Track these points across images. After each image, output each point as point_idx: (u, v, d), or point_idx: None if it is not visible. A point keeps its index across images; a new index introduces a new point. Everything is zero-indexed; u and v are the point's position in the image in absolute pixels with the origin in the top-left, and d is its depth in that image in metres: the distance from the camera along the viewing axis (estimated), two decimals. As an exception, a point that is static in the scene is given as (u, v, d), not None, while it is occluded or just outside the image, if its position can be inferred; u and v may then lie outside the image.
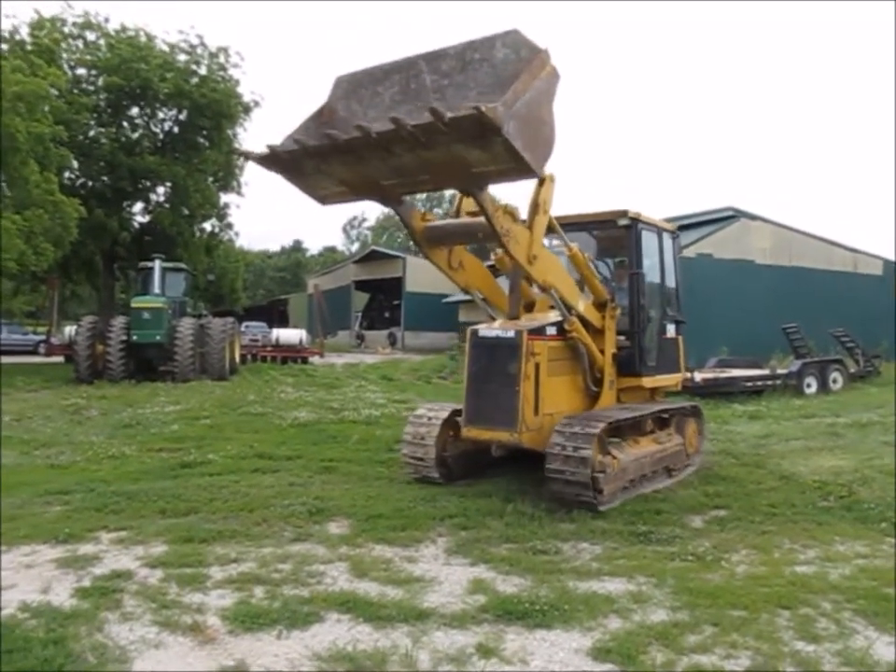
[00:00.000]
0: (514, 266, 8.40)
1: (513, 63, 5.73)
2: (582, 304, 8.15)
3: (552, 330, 7.95)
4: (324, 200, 6.67)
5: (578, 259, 8.16)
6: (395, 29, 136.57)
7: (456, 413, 8.34)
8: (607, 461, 7.36)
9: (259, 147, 6.11)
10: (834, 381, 19.65)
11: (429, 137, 5.25)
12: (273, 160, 6.09)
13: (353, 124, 5.93)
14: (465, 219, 7.65)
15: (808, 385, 18.92)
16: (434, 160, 5.55)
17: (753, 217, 27.64)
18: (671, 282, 9.87)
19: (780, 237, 27.85)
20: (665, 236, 9.66)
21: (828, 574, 5.60)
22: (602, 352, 8.50)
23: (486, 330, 7.82)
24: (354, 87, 6.51)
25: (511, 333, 7.58)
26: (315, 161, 6.00)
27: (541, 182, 7.07)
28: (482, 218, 6.74)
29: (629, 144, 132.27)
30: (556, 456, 7.14)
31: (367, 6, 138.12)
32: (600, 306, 8.58)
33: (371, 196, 6.73)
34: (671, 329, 9.77)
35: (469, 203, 7.66)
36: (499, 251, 8.57)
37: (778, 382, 18.62)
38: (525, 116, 5.25)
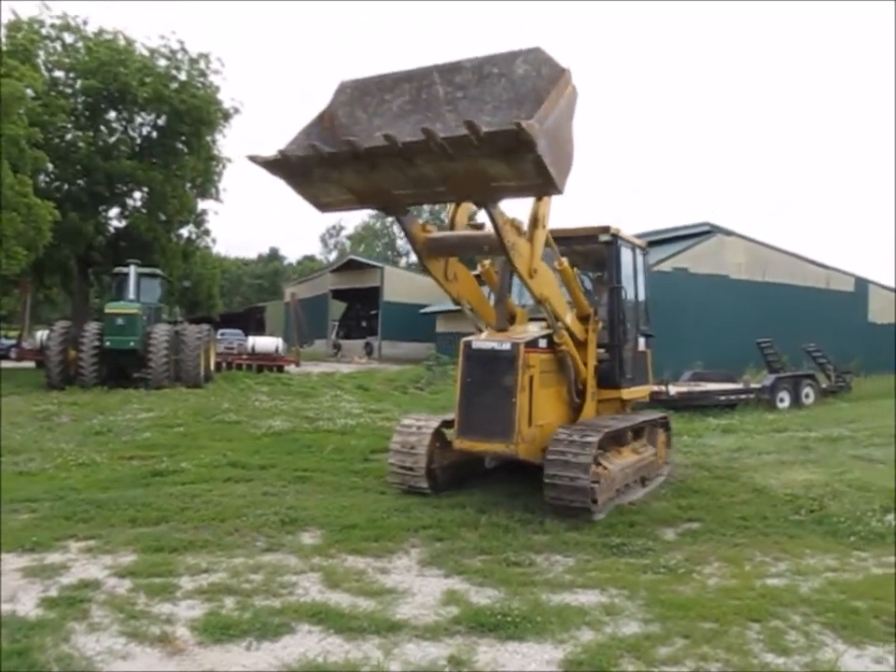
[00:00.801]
0: (502, 279, 8.50)
1: (533, 79, 5.74)
2: (570, 318, 8.26)
3: (543, 343, 8.03)
4: (325, 207, 6.55)
5: (567, 274, 8.27)
6: (377, 35, 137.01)
7: (445, 423, 8.36)
8: (600, 471, 7.45)
9: (251, 152, 5.88)
10: (807, 396, 19.91)
11: (458, 150, 5.19)
12: (282, 165, 5.94)
13: (354, 131, 5.93)
14: (469, 232, 7.69)
15: (781, 400, 19.14)
16: (455, 172, 5.50)
17: (729, 233, 28.01)
18: (642, 296, 10.11)
19: (755, 253, 28.23)
20: (638, 252, 9.90)
21: (798, 587, 5.66)
22: (585, 364, 8.63)
23: (480, 342, 7.83)
24: (359, 93, 6.39)
25: (507, 346, 7.62)
26: (326, 168, 5.87)
27: (540, 197, 7.08)
28: (487, 231, 6.79)
29: (606, 159, 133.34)
30: (555, 463, 7.19)
31: (348, 11, 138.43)
32: (583, 319, 8.71)
33: (378, 205, 6.67)
34: (642, 343, 9.98)
35: (462, 216, 7.71)
36: (486, 263, 8.62)
37: (752, 396, 18.83)
38: (553, 133, 5.29)
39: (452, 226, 7.84)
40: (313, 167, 5.91)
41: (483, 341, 7.85)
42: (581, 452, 7.19)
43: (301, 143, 6.07)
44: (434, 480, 8.26)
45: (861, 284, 31.11)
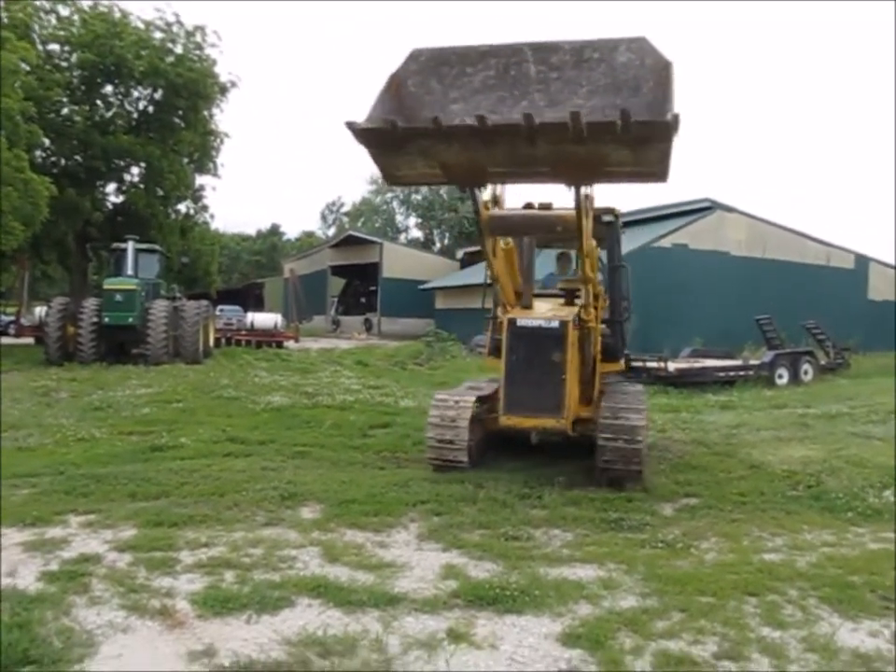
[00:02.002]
0: (529, 258, 8.74)
1: (635, 68, 5.66)
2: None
3: (576, 321, 8.15)
4: (399, 179, 6.32)
5: (595, 254, 8.28)
6: (374, 11, 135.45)
7: (479, 399, 8.46)
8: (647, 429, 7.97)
9: (349, 119, 5.56)
10: (806, 372, 19.92)
11: (595, 135, 5.10)
12: (385, 134, 5.57)
13: (425, 101, 5.79)
14: (541, 212, 7.63)
15: (780, 377, 19.16)
16: (574, 154, 5.36)
17: (729, 210, 27.91)
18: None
19: (755, 229, 28.15)
20: (619, 229, 9.96)
21: (795, 562, 5.68)
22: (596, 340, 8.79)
23: (527, 320, 7.95)
24: (435, 63, 6.09)
25: (555, 324, 7.80)
26: (433, 142, 5.56)
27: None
28: (559, 212, 6.93)
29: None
30: (610, 427, 7.56)
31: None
32: (594, 297, 8.78)
33: (463, 181, 6.45)
34: None
35: (503, 196, 7.63)
36: (509, 242, 8.57)
37: (751, 373, 18.85)
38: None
39: (497, 204, 7.69)
40: (418, 139, 5.59)
41: (529, 319, 7.97)
42: (634, 416, 7.64)
43: (381, 113, 5.74)
44: (470, 455, 8.25)
45: (862, 261, 31.04)
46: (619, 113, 4.93)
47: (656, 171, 5.43)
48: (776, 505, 7.28)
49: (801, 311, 23.26)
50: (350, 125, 5.51)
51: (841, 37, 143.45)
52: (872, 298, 30.78)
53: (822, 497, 7.50)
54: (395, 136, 5.55)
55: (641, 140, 5.09)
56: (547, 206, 7.73)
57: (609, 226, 9.17)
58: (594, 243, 7.80)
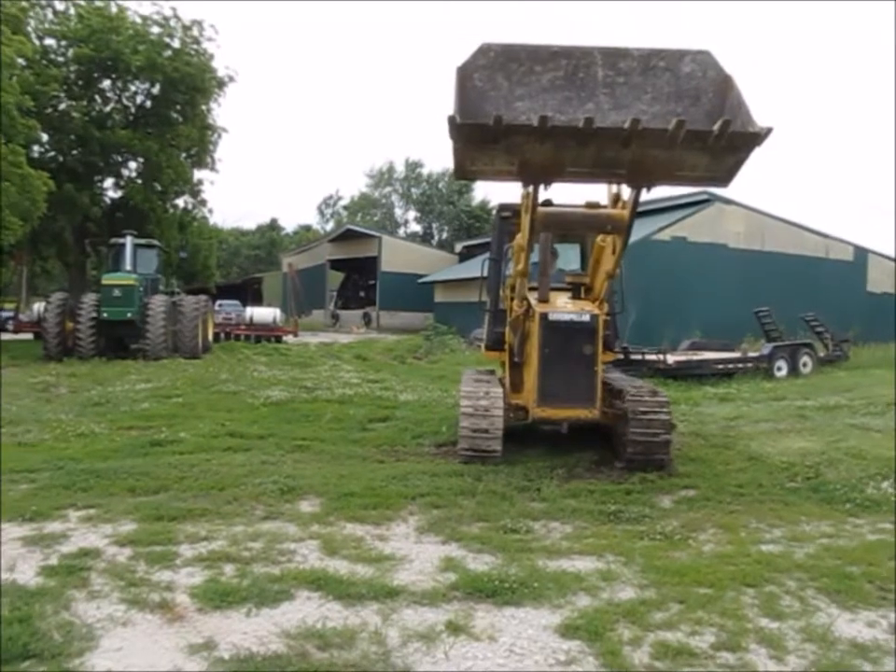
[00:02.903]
0: (545, 253, 8.71)
1: (698, 79, 5.92)
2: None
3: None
4: (470, 174, 6.25)
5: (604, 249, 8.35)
6: (369, 4, 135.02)
7: None
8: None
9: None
10: (804, 364, 19.91)
11: (689, 142, 5.36)
12: (481, 130, 5.54)
13: (490, 97, 5.93)
14: (591, 210, 7.76)
15: (779, 369, 19.15)
16: (658, 158, 5.58)
17: (728, 202, 27.83)
18: None
19: (754, 222, 28.11)
20: None
21: (793, 553, 5.69)
22: None
23: (557, 313, 8.10)
24: (504, 59, 6.15)
25: (586, 317, 8.02)
26: (529, 139, 5.52)
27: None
28: (608, 210, 7.21)
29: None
30: (640, 421, 7.84)
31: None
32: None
33: (538, 179, 6.31)
34: None
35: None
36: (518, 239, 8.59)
37: (749, 365, 18.84)
38: None
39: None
40: (516, 135, 5.55)
41: (560, 312, 8.14)
42: (661, 409, 8.03)
43: (467, 108, 5.78)
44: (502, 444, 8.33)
45: (861, 253, 30.99)
46: (720, 123, 5.19)
47: (724, 176, 5.73)
48: (774, 496, 7.29)
49: (799, 303, 23.22)
50: (451, 120, 5.52)
51: (841, 29, 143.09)
52: (871, 290, 30.72)
53: (821, 489, 7.51)
54: (492, 131, 5.54)
55: (727, 149, 5.37)
56: (595, 205, 7.90)
57: None
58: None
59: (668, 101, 5.93)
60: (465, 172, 6.16)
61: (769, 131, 5.26)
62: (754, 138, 5.32)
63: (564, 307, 8.31)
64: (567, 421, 8.26)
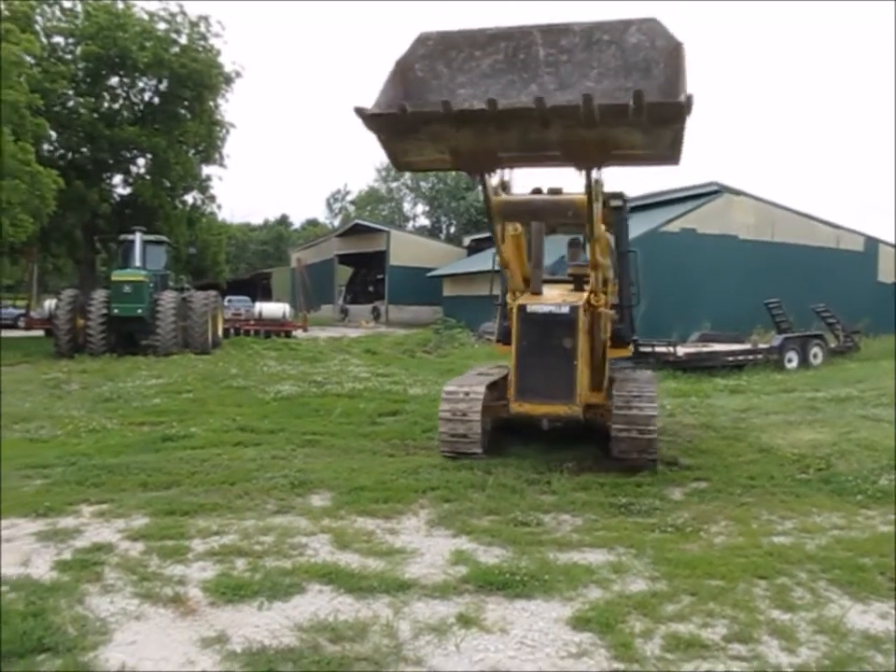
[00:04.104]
0: (538, 244, 8.59)
1: (646, 50, 5.60)
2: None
3: (585, 306, 8.15)
4: (407, 166, 6.26)
5: (604, 243, 8.21)
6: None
7: (490, 386, 8.48)
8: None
9: (358, 105, 5.51)
10: (815, 356, 19.81)
11: (607, 118, 5.07)
12: (394, 120, 5.52)
13: (432, 86, 5.76)
14: (553, 197, 7.61)
15: (789, 360, 19.07)
16: (586, 138, 5.32)
17: (737, 193, 27.71)
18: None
19: (763, 213, 27.95)
20: (627, 214, 10.00)
21: (805, 545, 5.68)
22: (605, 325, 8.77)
23: (536, 306, 7.93)
24: (443, 47, 6.02)
25: (566, 309, 7.78)
26: (444, 126, 5.48)
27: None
28: (570, 196, 6.86)
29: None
30: (624, 417, 7.56)
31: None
32: (603, 283, 8.72)
33: (472, 167, 6.43)
34: None
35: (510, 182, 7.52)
36: (518, 228, 8.49)
37: (760, 356, 18.76)
38: None
39: (504, 189, 7.54)
40: (429, 124, 5.52)
41: (539, 304, 7.94)
42: (647, 405, 7.63)
43: (387, 100, 5.69)
44: (483, 445, 8.26)
45: (871, 243, 30.78)
46: (632, 95, 4.88)
47: (668, 153, 5.38)
48: (785, 488, 7.27)
49: (810, 294, 23.10)
50: (359, 111, 5.46)
51: (851, 22, 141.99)
52: (882, 280, 30.52)
53: (832, 480, 7.49)
54: (405, 121, 5.49)
55: (654, 122, 5.04)
56: (557, 191, 7.67)
57: (618, 211, 9.16)
58: (603, 228, 7.81)
59: (617, 76, 5.59)
60: (400, 164, 6.17)
61: (689, 99, 4.86)
62: (677, 108, 4.91)
63: (543, 299, 8.09)
64: (546, 417, 8.09)
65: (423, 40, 6.08)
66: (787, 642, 4.07)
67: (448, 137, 5.62)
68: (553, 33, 5.83)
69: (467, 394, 8.27)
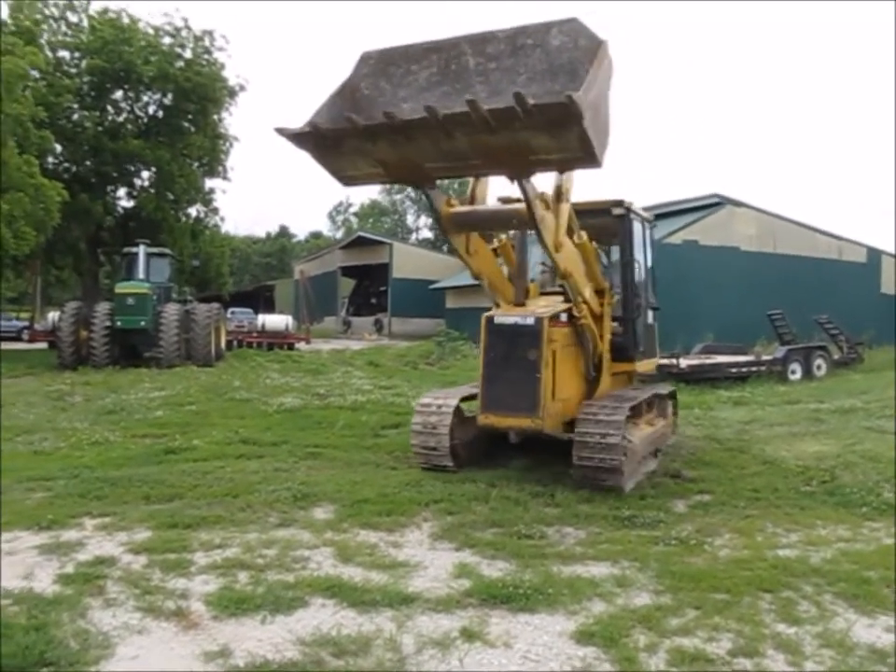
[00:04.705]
0: (520, 253, 8.48)
1: (570, 51, 5.60)
2: (588, 291, 8.21)
3: (563, 317, 8.03)
4: (350, 180, 6.40)
5: (587, 248, 8.17)
6: (383, 14, 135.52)
7: (464, 398, 8.42)
8: (625, 444, 7.48)
9: (279, 125, 5.73)
10: (818, 367, 19.79)
11: (502, 122, 5.06)
12: (313, 137, 5.76)
13: (378, 103, 5.81)
14: (498, 206, 7.60)
15: (793, 372, 19.04)
16: (494, 145, 5.35)
17: (739, 204, 27.74)
18: (649, 269, 10.13)
19: (765, 224, 27.97)
20: (646, 225, 9.89)
21: (810, 558, 5.65)
22: (601, 338, 8.61)
23: (503, 317, 7.85)
24: (383, 64, 6.21)
25: (530, 320, 7.64)
26: (360, 141, 5.68)
27: (563, 171, 6.95)
28: (516, 206, 6.71)
29: (616, 129, 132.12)
30: (585, 445, 7.27)
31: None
32: (598, 293, 8.64)
33: (407, 179, 6.56)
34: (650, 315, 9.97)
35: (483, 190, 7.52)
36: (503, 238, 8.49)
37: (763, 368, 18.74)
38: (595, 106, 5.21)
39: (472, 200, 7.57)
40: (345, 139, 5.71)
41: (506, 315, 7.86)
42: (611, 432, 7.24)
43: (326, 115, 5.89)
44: (457, 456, 8.25)
45: (874, 254, 30.79)
46: (515, 97, 4.87)
47: (582, 155, 5.30)
48: (789, 501, 7.25)
49: (813, 305, 23.09)
50: (279, 130, 5.68)
51: (853, 32, 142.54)
52: (884, 291, 30.50)
53: (837, 493, 7.46)
54: (323, 138, 5.71)
55: (551, 124, 5.00)
56: (507, 200, 7.65)
57: (621, 219, 9.03)
58: (585, 235, 7.70)
59: (544, 79, 5.58)
60: (343, 179, 6.30)
61: (570, 97, 4.76)
62: (561, 108, 4.84)
63: (511, 311, 8.00)
64: (512, 430, 7.96)
65: (366, 59, 6.28)
66: (792, 656, 4.05)
67: (369, 151, 5.80)
68: (479, 42, 5.93)
69: (439, 407, 8.31)
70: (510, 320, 7.76)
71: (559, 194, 7.03)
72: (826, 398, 15.13)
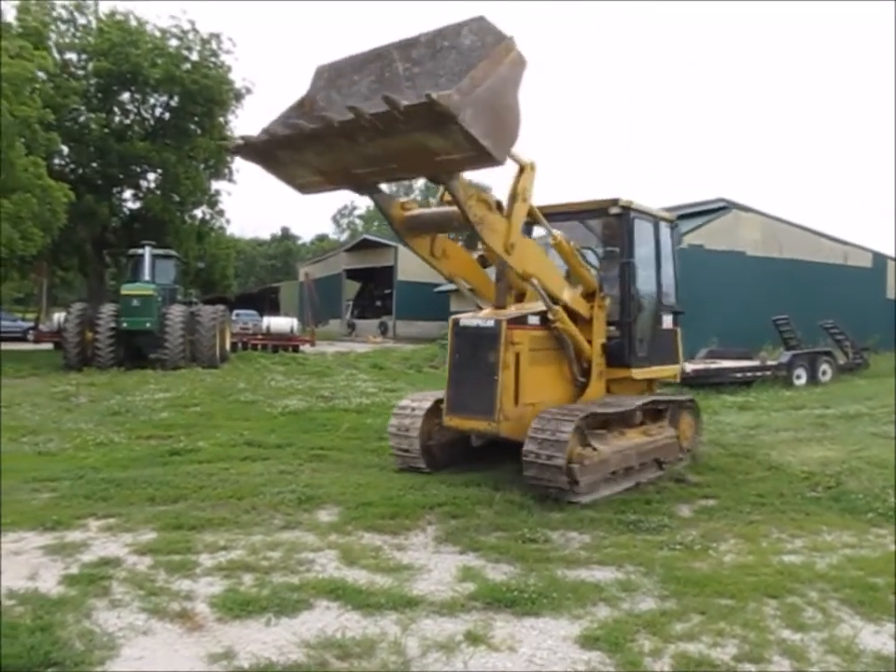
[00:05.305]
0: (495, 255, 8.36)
1: (479, 49, 5.69)
2: (568, 294, 8.05)
3: (534, 320, 7.89)
4: (303, 189, 6.65)
5: (562, 249, 8.06)
6: (391, 13, 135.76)
7: (440, 401, 8.32)
8: (586, 452, 7.29)
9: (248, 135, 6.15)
10: (824, 372, 19.75)
11: (388, 126, 5.24)
12: (249, 150, 6.11)
13: (332, 114, 5.97)
14: (442, 208, 7.54)
15: (798, 377, 19.00)
16: (397, 148, 5.54)
17: (745, 209, 27.68)
18: (668, 271, 9.76)
19: (771, 229, 27.91)
20: (662, 225, 9.53)
21: (815, 563, 5.64)
22: (590, 342, 8.38)
23: (468, 320, 7.83)
24: (334, 76, 6.44)
25: (490, 323, 7.58)
26: (289, 151, 6.01)
27: (521, 170, 6.99)
28: (453, 208, 6.69)
29: (623, 135, 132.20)
30: (534, 440, 7.11)
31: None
32: (589, 296, 8.47)
33: (347, 185, 6.67)
34: (667, 320, 9.63)
35: (456, 192, 7.54)
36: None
37: (768, 373, 18.70)
38: (485, 102, 5.24)
39: (441, 202, 7.66)
40: (276, 151, 6.03)
41: (470, 318, 7.84)
42: (560, 429, 7.06)
43: (271, 130, 6.18)
44: (432, 457, 8.30)
45: (880, 259, 30.68)
46: (386, 101, 5.06)
47: (477, 154, 5.39)
48: (795, 506, 7.23)
49: (818, 310, 23.02)
50: (223, 147, 6.13)
51: (858, 38, 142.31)
52: (890, 297, 30.41)
53: (842, 498, 7.44)
54: (256, 150, 6.09)
55: (435, 124, 5.14)
56: (452, 202, 7.67)
57: (619, 218, 8.77)
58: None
59: (461, 79, 5.60)
60: (298, 187, 6.62)
61: (429, 97, 4.87)
62: (425, 108, 4.95)
63: (478, 314, 7.96)
64: (473, 433, 7.96)
65: (320, 73, 6.52)
66: (798, 663, 4.04)
67: (302, 161, 6.11)
68: (405, 47, 6.10)
69: (413, 410, 8.38)
70: (473, 323, 7.75)
71: (514, 194, 7.01)
72: (831, 403, 15.10)
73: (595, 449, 7.45)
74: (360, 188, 6.79)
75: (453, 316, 7.99)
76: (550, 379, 8.14)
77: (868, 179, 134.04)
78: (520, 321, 7.74)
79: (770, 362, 19.41)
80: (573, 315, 8.16)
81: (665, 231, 9.61)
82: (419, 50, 6.01)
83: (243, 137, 6.11)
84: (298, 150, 5.98)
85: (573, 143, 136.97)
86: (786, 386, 18.17)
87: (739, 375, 18.35)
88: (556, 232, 7.98)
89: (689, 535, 6.23)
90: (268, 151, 6.08)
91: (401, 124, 5.17)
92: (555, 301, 7.82)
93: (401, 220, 7.20)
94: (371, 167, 6.02)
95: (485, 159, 5.49)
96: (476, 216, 6.50)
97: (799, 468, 8.77)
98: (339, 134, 5.51)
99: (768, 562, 5.62)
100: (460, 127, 5.04)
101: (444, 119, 5.01)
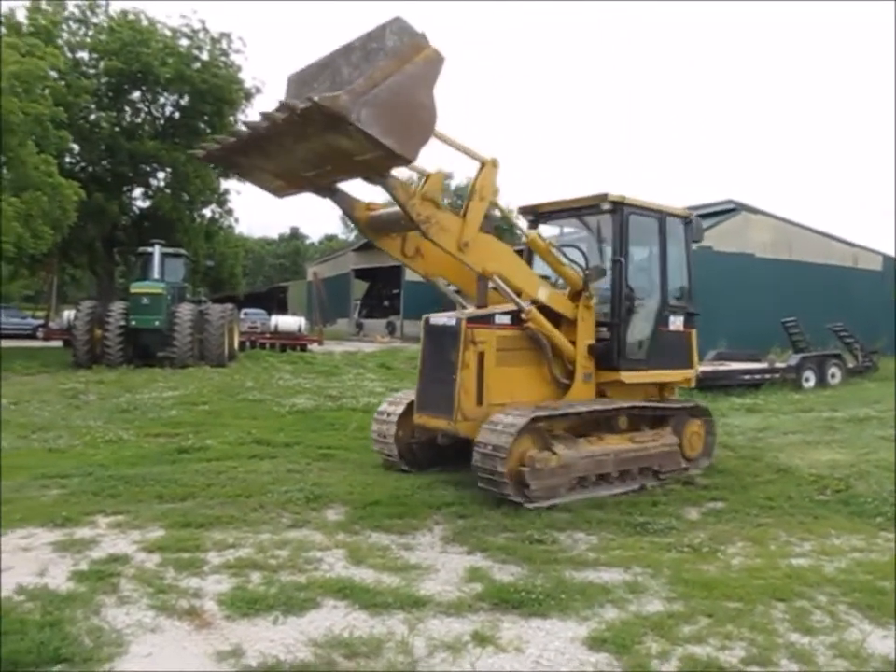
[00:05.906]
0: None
1: (400, 49, 5.77)
2: (545, 293, 7.84)
3: (503, 319, 7.69)
4: (274, 192, 6.82)
5: (537, 246, 7.96)
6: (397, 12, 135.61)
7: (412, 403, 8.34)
8: (541, 455, 7.05)
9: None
10: (833, 375, 19.67)
11: (297, 129, 5.42)
12: (213, 159, 6.39)
13: None
14: (393, 209, 7.38)
15: (807, 380, 18.92)
16: (320, 150, 5.65)
17: (754, 211, 27.61)
18: (677, 270, 9.28)
19: (781, 231, 27.83)
20: (671, 222, 8.98)
21: (823, 567, 5.62)
22: (574, 343, 8.10)
23: (435, 318, 7.88)
24: (300, 84, 6.54)
25: (452, 322, 7.57)
26: (244, 158, 6.18)
27: (481, 167, 7.01)
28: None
29: (633, 136, 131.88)
30: (480, 444, 6.98)
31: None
32: (577, 295, 8.18)
33: (304, 187, 6.75)
34: (677, 321, 9.16)
35: (431, 191, 7.32)
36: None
37: (777, 375, 18.63)
38: (387, 101, 5.33)
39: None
40: (233, 158, 6.24)
41: (438, 317, 7.87)
42: (503, 438, 6.85)
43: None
44: (414, 457, 8.38)
45: (889, 262, 30.55)
46: (279, 107, 5.31)
47: (383, 153, 5.48)
48: (803, 509, 7.20)
49: (827, 313, 22.94)
50: (193, 155, 6.33)
51: (869, 39, 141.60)
52: (900, 300, 30.28)
53: (851, 502, 7.41)
54: (216, 159, 6.41)
55: (331, 126, 5.28)
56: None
57: (612, 214, 8.37)
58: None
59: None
60: (271, 191, 6.80)
61: (309, 99, 5.01)
62: (317, 110, 5.05)
63: (448, 312, 7.96)
64: (438, 432, 7.86)
65: (290, 81, 6.68)
66: (806, 666, 4.03)
67: (258, 165, 6.31)
68: (346, 52, 6.20)
69: (388, 415, 8.42)
70: (440, 322, 7.76)
71: (472, 192, 7.02)
72: (840, 406, 15.04)
73: (554, 453, 7.21)
74: (317, 190, 6.83)
75: (425, 315, 8.02)
76: (525, 380, 7.88)
77: (878, 181, 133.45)
78: (484, 320, 7.60)
79: (779, 364, 19.35)
80: (556, 315, 7.98)
81: (675, 227, 9.06)
82: (357, 54, 6.09)
83: (202, 146, 6.31)
84: (248, 156, 6.16)
85: (584, 144, 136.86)
86: (794, 389, 18.10)
87: (748, 377, 18.29)
88: (530, 232, 7.93)
89: (697, 537, 6.22)
90: (227, 158, 6.28)
91: (308, 127, 5.32)
92: (527, 300, 7.66)
93: (366, 221, 7.22)
94: (311, 169, 6.13)
95: (391, 158, 5.59)
96: (421, 214, 6.50)
97: (807, 471, 8.74)
98: (268, 139, 5.66)
99: (776, 565, 5.60)
100: (356, 127, 5.16)
101: (338, 121, 5.15)
